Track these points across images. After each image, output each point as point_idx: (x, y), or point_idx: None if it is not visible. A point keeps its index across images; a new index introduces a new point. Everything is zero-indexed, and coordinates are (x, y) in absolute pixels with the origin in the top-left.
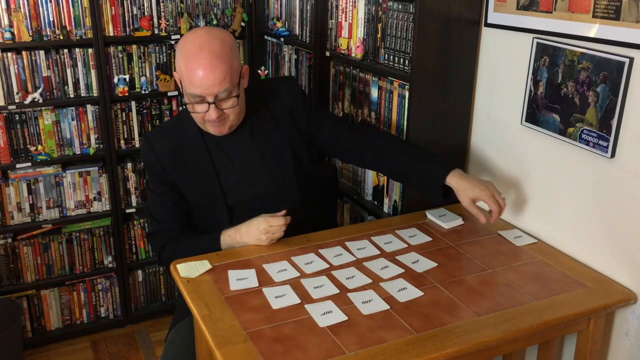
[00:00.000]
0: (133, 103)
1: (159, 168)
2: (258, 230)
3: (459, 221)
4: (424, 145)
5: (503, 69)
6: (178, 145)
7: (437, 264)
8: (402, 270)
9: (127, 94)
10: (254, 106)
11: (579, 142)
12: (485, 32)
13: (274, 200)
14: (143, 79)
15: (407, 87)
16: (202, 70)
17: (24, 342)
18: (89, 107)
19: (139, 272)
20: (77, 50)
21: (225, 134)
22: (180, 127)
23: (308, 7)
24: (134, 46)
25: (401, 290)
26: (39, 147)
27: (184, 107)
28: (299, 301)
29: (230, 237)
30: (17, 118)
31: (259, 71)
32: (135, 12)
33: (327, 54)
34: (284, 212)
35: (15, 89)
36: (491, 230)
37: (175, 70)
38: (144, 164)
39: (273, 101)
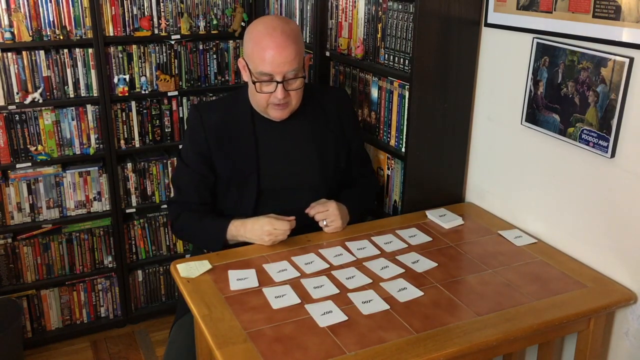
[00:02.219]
0: (133, 103)
1: (201, 137)
2: (262, 230)
3: (459, 221)
4: (423, 146)
5: (503, 69)
6: (227, 120)
7: (437, 264)
8: (402, 270)
9: (127, 94)
10: (309, 101)
11: (579, 142)
12: (485, 32)
13: (305, 195)
14: (143, 79)
15: (407, 87)
16: (274, 48)
17: (24, 342)
18: (89, 107)
19: (139, 272)
20: (77, 50)
21: (282, 119)
22: (234, 105)
23: (308, 7)
24: (134, 46)
25: (401, 290)
26: (39, 147)
27: (239, 89)
28: (299, 301)
29: (236, 228)
30: (17, 118)
31: None
32: (135, 12)
33: (327, 54)
34: (292, 218)
35: (15, 89)
36: (491, 230)
37: (241, 56)
38: (187, 131)
39: (327, 102)
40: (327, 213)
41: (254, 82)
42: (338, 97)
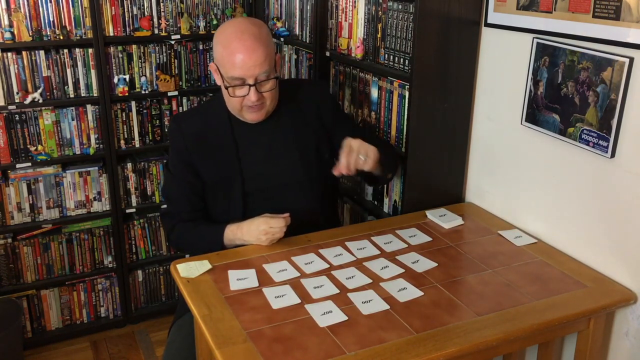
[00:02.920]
0: (133, 103)
1: (182, 147)
2: (258, 230)
3: (459, 221)
4: (423, 146)
5: (503, 69)
6: (205, 127)
7: (437, 264)
8: (402, 270)
9: (127, 94)
10: (285, 99)
11: (579, 142)
12: (485, 32)
13: (292, 192)
14: (143, 79)
15: (407, 87)
16: (244, 52)
17: (24, 342)
18: (89, 107)
19: (139, 272)
20: (77, 50)
21: (259, 121)
22: (210, 111)
23: (308, 7)
24: (134, 46)
25: (401, 290)
26: (39, 147)
27: (215, 94)
28: (299, 301)
29: (233, 232)
30: (17, 118)
31: None
32: (135, 12)
33: (327, 54)
34: (286, 214)
35: (15, 89)
36: (491, 230)
37: (212, 61)
38: (169, 142)
39: (303, 95)
40: (359, 148)
41: (226, 87)
42: (315, 90)
